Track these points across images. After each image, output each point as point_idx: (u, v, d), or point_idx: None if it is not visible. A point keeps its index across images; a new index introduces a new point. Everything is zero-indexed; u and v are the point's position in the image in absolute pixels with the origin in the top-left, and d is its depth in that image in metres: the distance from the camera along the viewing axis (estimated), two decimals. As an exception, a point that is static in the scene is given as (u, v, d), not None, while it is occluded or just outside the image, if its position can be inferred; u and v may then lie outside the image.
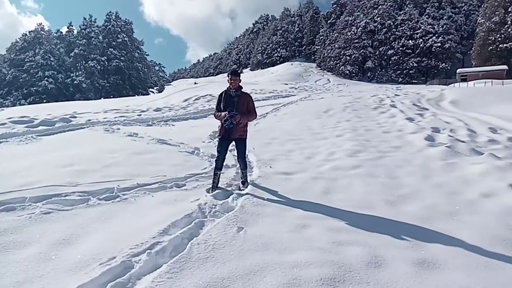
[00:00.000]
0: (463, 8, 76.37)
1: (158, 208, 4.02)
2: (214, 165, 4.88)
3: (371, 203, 4.35)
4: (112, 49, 74.92)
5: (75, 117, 12.40)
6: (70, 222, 3.52)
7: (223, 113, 4.68)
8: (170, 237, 3.13)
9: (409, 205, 4.30)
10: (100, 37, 75.52)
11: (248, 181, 5.11)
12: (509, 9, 55.94)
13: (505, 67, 51.32)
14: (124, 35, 76.96)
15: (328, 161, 6.46)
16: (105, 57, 74.03)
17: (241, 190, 4.83)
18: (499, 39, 56.20)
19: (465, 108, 13.16)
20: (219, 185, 4.86)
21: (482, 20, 60.29)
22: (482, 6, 66.13)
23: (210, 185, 4.86)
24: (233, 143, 4.98)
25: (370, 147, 7.34)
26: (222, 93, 4.90)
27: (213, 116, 5.12)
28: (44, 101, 59.13)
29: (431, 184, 5.03)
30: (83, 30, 75.49)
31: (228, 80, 4.78)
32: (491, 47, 56.90)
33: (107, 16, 77.62)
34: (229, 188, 4.90)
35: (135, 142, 7.66)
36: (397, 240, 3.27)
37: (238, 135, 4.79)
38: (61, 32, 78.47)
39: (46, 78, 66.63)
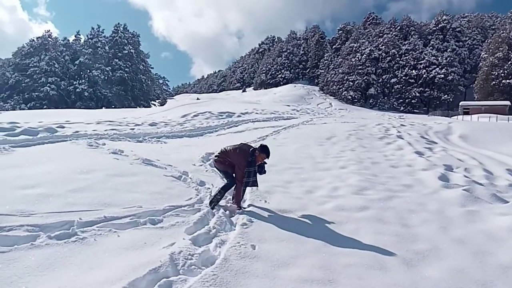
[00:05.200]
0: (467, 42, 76.98)
1: (120, 254, 3.22)
2: (222, 186, 4.98)
3: (383, 261, 3.56)
4: (117, 60, 74.99)
5: (63, 127, 11.67)
6: (-1, 272, 2.71)
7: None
8: (120, 309, 2.33)
9: (430, 267, 3.52)
10: (107, 47, 75.72)
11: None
12: (513, 46, 56.35)
13: (507, 102, 51.18)
14: (131, 47, 77.16)
15: (331, 198, 5.70)
16: (110, 67, 73.96)
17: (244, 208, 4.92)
18: (502, 74, 56.36)
19: (476, 144, 12.46)
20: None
21: (486, 55, 60.65)
22: (486, 41, 66.76)
23: (192, 224, 4.11)
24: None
25: (377, 183, 6.58)
26: (252, 163, 4.88)
27: (239, 181, 4.91)
28: (45, 107, 58.67)
29: (452, 239, 4.25)
30: (90, 40, 75.79)
31: (262, 157, 4.94)
32: (494, 82, 57.01)
33: (115, 28, 78.06)
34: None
35: (117, 162, 6.87)
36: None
37: None
38: (68, 40, 78.72)
39: (48, 84, 66.32)
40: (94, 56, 73.36)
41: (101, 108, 57.83)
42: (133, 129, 13.49)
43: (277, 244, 3.79)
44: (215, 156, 5.14)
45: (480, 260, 3.72)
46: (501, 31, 60.98)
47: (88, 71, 71.55)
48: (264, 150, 4.93)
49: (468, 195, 5.82)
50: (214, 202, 4.87)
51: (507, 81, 55.49)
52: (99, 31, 77.39)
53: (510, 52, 56.59)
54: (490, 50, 59.66)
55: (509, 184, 6.95)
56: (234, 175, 5.01)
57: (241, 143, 5.22)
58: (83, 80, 70.49)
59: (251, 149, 4.97)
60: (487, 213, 5.08)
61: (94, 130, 11.57)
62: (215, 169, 6.18)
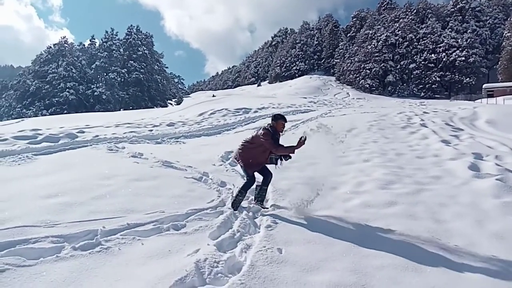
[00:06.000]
0: (487, 22, 74.00)
1: (144, 264, 3.16)
2: (242, 186, 4.90)
3: (418, 261, 3.36)
4: (132, 62, 75.89)
5: (83, 132, 11.80)
6: (24, 288, 2.69)
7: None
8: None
9: (467, 266, 3.31)
10: (121, 50, 76.72)
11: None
12: (539, 23, 53.81)
13: (535, 82, 49.04)
14: (145, 48, 77.90)
15: (356, 194, 5.52)
16: (125, 69, 74.97)
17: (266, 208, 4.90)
18: (528, 53, 53.98)
19: (505, 129, 11.90)
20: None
21: (509, 34, 58.21)
22: (509, 19, 63.90)
23: (215, 228, 4.03)
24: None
25: (404, 176, 6.34)
26: (275, 133, 4.86)
27: (273, 149, 4.76)
28: (65, 111, 60.01)
29: (490, 234, 4.02)
30: (104, 43, 76.97)
31: (280, 124, 4.88)
32: (519, 62, 54.70)
33: (128, 30, 78.85)
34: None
35: (137, 165, 6.87)
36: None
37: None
38: (84, 45, 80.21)
39: (67, 89, 67.84)
40: (109, 59, 74.52)
41: (119, 110, 58.71)
42: (151, 130, 13.55)
43: (304, 246, 3.66)
44: (239, 149, 4.94)
45: (523, 256, 3.48)
46: (525, 8, 58.33)
47: (105, 74, 72.82)
48: (278, 117, 4.92)
49: (502, 185, 5.51)
50: (236, 204, 4.78)
51: (533, 59, 53.20)
52: (113, 34, 78.39)
53: (535, 29, 54.15)
54: (513, 29, 57.24)
55: (545, 171, 6.56)
56: (255, 173, 4.93)
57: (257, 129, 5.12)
58: (100, 84, 71.74)
59: (267, 124, 4.96)
60: (525, 204, 4.79)
61: (113, 134, 11.66)
62: (236, 166, 6.13)
